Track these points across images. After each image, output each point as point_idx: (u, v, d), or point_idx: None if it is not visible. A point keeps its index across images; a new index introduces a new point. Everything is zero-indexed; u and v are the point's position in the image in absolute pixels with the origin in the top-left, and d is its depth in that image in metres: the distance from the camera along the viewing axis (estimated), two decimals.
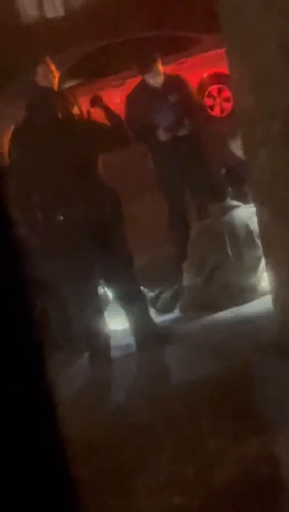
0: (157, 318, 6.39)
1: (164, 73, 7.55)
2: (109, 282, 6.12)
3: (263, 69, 3.23)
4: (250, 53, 3.26)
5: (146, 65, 7.42)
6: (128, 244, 5.97)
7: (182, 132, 7.36)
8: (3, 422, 1.22)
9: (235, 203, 6.71)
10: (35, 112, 6.02)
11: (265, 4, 3.18)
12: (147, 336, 5.93)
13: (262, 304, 5.77)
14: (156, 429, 4.55)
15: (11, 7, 19.78)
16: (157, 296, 6.77)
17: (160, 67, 7.43)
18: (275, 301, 3.47)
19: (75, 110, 7.09)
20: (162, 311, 6.67)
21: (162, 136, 7.31)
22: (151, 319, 6.08)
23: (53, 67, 7.79)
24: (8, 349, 1.22)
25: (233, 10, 3.23)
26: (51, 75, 7.74)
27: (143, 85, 7.55)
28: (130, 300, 5.97)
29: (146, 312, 6.07)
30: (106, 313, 6.15)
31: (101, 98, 6.54)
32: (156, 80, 7.42)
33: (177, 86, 7.53)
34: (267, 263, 3.48)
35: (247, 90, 3.30)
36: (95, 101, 6.48)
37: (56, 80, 7.79)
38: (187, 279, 6.67)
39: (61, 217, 5.72)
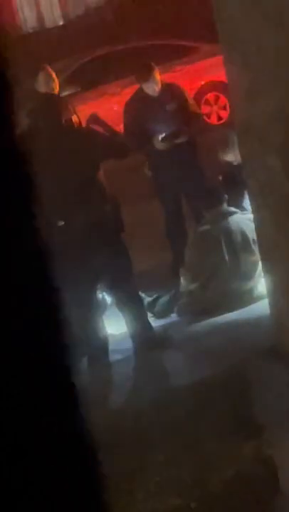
0: (155, 322, 6.44)
1: (162, 82, 7.61)
2: (108, 287, 6.18)
3: (261, 79, 3.29)
4: (248, 63, 3.32)
5: (144, 74, 7.48)
6: (127, 249, 6.02)
7: (179, 140, 7.42)
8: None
9: (231, 209, 6.78)
10: (39, 118, 6.07)
11: (262, 15, 3.25)
12: (145, 340, 5.98)
13: (259, 309, 5.84)
14: (153, 432, 4.60)
15: (10, 17, 19.86)
16: (155, 301, 6.82)
17: (158, 76, 7.49)
18: (271, 305, 3.53)
19: (74, 118, 7.15)
20: (160, 315, 6.73)
21: (158, 145, 7.38)
22: (149, 324, 6.14)
23: (53, 74, 7.86)
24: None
25: (230, 21, 3.30)
26: (52, 81, 7.80)
27: (140, 94, 7.61)
28: (129, 305, 6.02)
29: (145, 317, 6.13)
30: (104, 318, 6.20)
31: (98, 116, 6.59)
32: (153, 89, 7.48)
33: (174, 94, 7.59)
34: (264, 268, 3.54)
35: (244, 99, 3.36)
36: (93, 120, 6.53)
37: (57, 86, 7.86)
38: (184, 285, 6.73)
39: (62, 223, 5.77)
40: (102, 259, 5.86)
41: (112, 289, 6.14)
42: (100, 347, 5.99)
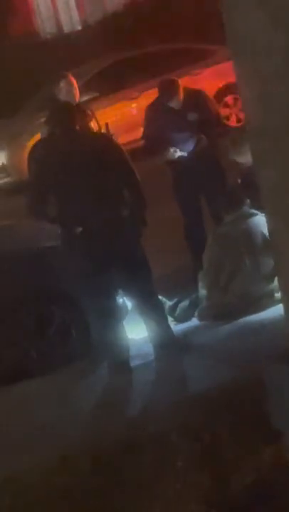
0: (176, 327, 6.43)
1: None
2: (128, 292, 6.16)
3: (271, 81, 3.27)
4: (258, 66, 3.30)
5: (170, 93, 7.43)
6: (146, 254, 6.01)
7: (198, 148, 7.42)
8: None
9: (252, 211, 6.75)
10: (56, 125, 6.11)
11: (271, 18, 3.23)
12: (166, 344, 5.97)
13: (278, 312, 5.80)
14: (173, 437, 4.58)
15: (28, 22, 19.95)
16: (175, 305, 6.81)
17: (181, 92, 7.45)
18: (286, 308, 3.51)
19: (93, 124, 7.18)
20: (180, 319, 6.71)
21: (174, 155, 7.37)
22: (169, 328, 6.12)
23: (74, 82, 7.92)
24: None
25: (239, 23, 3.28)
26: (73, 89, 7.86)
27: (161, 100, 7.60)
28: (149, 309, 6.01)
29: (165, 321, 6.11)
30: (125, 323, 6.20)
31: (108, 128, 6.61)
32: (177, 104, 7.47)
33: (197, 103, 7.55)
34: (278, 271, 3.52)
35: (255, 102, 3.35)
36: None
37: (77, 94, 7.91)
38: (203, 288, 6.71)
39: (80, 229, 5.78)
40: (120, 265, 5.86)
41: (131, 293, 6.13)
42: (122, 353, 5.98)
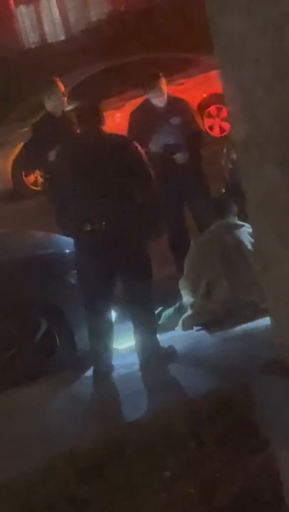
0: (160, 336, 6.43)
1: (169, 95, 7.64)
2: (126, 296, 6.11)
3: (258, 92, 3.28)
4: (245, 76, 3.31)
5: (150, 82, 7.52)
6: (150, 261, 6.00)
7: (181, 159, 7.44)
8: None
9: (234, 220, 6.77)
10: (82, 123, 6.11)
11: (258, 28, 3.24)
12: (151, 355, 5.96)
13: (264, 321, 5.81)
14: (159, 446, 4.58)
15: (12, 32, 19.95)
16: (159, 314, 6.82)
17: (163, 86, 7.53)
18: (273, 318, 3.51)
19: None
20: (164, 328, 6.72)
21: (153, 148, 7.38)
22: (157, 340, 6.12)
23: (62, 88, 7.95)
24: None
25: (226, 33, 3.29)
26: (62, 96, 7.89)
27: (146, 104, 7.68)
28: (143, 316, 6.00)
29: (155, 333, 6.11)
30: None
31: None
32: (159, 99, 7.51)
33: (180, 109, 7.62)
34: (265, 281, 3.52)
35: (242, 112, 3.35)
36: None
37: (65, 100, 7.93)
38: (185, 297, 6.72)
39: (88, 228, 5.79)
40: (123, 267, 5.86)
41: (128, 298, 6.07)
42: (106, 361, 5.99)
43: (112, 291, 6.02)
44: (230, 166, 7.14)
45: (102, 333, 5.98)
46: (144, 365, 5.96)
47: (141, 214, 5.89)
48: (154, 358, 5.94)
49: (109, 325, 6.04)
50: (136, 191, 5.87)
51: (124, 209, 5.81)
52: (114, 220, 5.78)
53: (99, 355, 6.00)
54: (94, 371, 6.04)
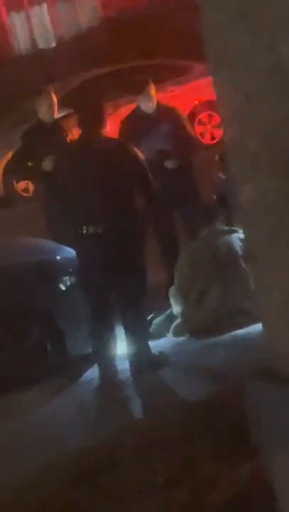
0: (150, 342, 6.43)
1: (159, 103, 7.66)
2: (120, 306, 6.11)
3: (250, 99, 3.29)
4: (238, 84, 3.31)
5: (138, 87, 7.54)
6: (146, 268, 6.00)
7: (171, 165, 7.45)
8: None
9: (225, 227, 6.78)
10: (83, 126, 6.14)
11: (251, 35, 3.24)
12: (143, 362, 5.97)
13: (255, 327, 5.83)
14: (151, 452, 4.58)
15: (3, 38, 19.93)
16: (150, 321, 6.82)
17: (152, 92, 7.54)
18: (265, 326, 3.52)
19: (69, 138, 7.20)
20: (155, 335, 6.72)
21: (144, 155, 7.41)
22: (149, 347, 6.12)
23: (55, 98, 7.96)
24: None
25: (218, 40, 3.30)
26: (54, 105, 7.90)
27: (136, 112, 7.69)
28: (134, 324, 6.01)
29: (147, 340, 6.11)
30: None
31: None
32: (148, 105, 7.52)
33: (170, 117, 7.64)
34: (257, 288, 3.52)
35: (234, 120, 3.36)
36: None
37: (56, 109, 7.94)
38: (175, 304, 6.72)
39: (85, 230, 5.78)
40: (120, 270, 5.86)
41: (122, 303, 6.07)
42: (112, 366, 5.99)
43: (112, 295, 6.01)
44: (222, 175, 7.14)
45: (107, 337, 5.97)
46: (135, 371, 5.95)
47: (142, 216, 5.93)
48: (144, 364, 5.94)
49: (113, 328, 6.04)
50: (137, 195, 5.91)
51: (127, 212, 5.82)
52: (118, 224, 5.78)
53: (104, 359, 5.99)
54: (101, 374, 6.01)
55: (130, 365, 6.00)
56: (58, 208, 6.16)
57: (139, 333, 6.01)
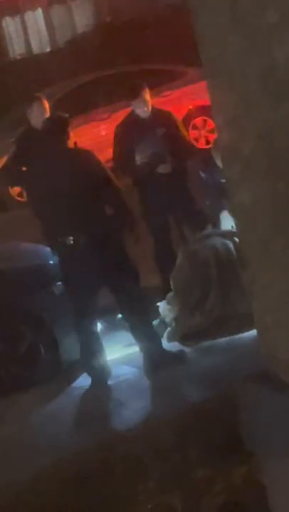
0: None
1: (155, 108, 7.66)
2: (122, 310, 6.15)
3: (245, 103, 3.30)
4: (233, 89, 3.33)
5: (133, 91, 7.54)
6: (137, 270, 6.02)
7: (165, 169, 7.46)
8: None
9: (220, 231, 6.78)
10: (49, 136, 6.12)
11: (246, 39, 3.26)
12: (155, 358, 6.00)
13: (250, 332, 5.82)
14: (144, 458, 4.57)
15: None
16: None
17: (147, 96, 7.54)
18: (260, 328, 3.53)
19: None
20: None
21: (140, 160, 7.41)
22: (161, 342, 6.16)
23: (47, 105, 7.98)
24: None
25: (214, 46, 3.31)
26: (45, 112, 7.92)
27: (131, 117, 7.68)
28: (142, 324, 6.06)
29: (157, 334, 6.18)
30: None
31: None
32: (143, 110, 7.52)
33: (165, 121, 7.63)
34: (251, 292, 3.53)
35: (229, 125, 3.37)
36: None
37: (47, 116, 7.93)
38: (172, 311, 6.71)
39: (71, 241, 5.79)
40: (108, 277, 5.89)
41: (125, 310, 6.11)
42: (103, 371, 5.99)
43: (96, 303, 6.04)
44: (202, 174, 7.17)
45: (92, 343, 6.00)
46: (150, 369, 5.96)
47: (115, 223, 5.95)
48: (158, 360, 5.97)
49: (97, 335, 6.07)
50: (105, 203, 5.94)
51: (98, 221, 5.85)
52: (91, 232, 5.81)
53: (93, 365, 6.01)
54: (92, 380, 6.02)
55: (144, 364, 6.01)
56: (40, 218, 6.18)
57: (148, 332, 6.06)
